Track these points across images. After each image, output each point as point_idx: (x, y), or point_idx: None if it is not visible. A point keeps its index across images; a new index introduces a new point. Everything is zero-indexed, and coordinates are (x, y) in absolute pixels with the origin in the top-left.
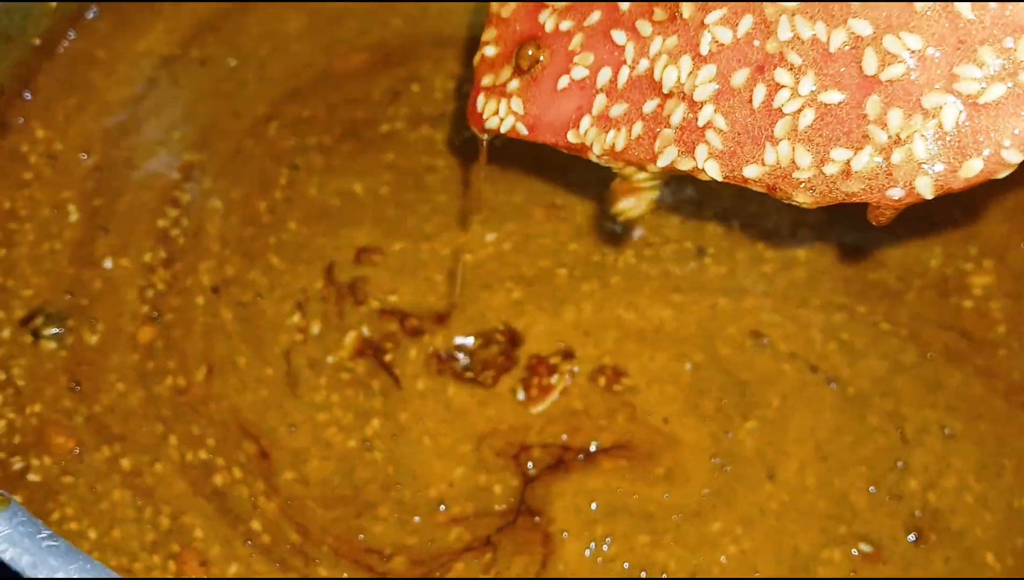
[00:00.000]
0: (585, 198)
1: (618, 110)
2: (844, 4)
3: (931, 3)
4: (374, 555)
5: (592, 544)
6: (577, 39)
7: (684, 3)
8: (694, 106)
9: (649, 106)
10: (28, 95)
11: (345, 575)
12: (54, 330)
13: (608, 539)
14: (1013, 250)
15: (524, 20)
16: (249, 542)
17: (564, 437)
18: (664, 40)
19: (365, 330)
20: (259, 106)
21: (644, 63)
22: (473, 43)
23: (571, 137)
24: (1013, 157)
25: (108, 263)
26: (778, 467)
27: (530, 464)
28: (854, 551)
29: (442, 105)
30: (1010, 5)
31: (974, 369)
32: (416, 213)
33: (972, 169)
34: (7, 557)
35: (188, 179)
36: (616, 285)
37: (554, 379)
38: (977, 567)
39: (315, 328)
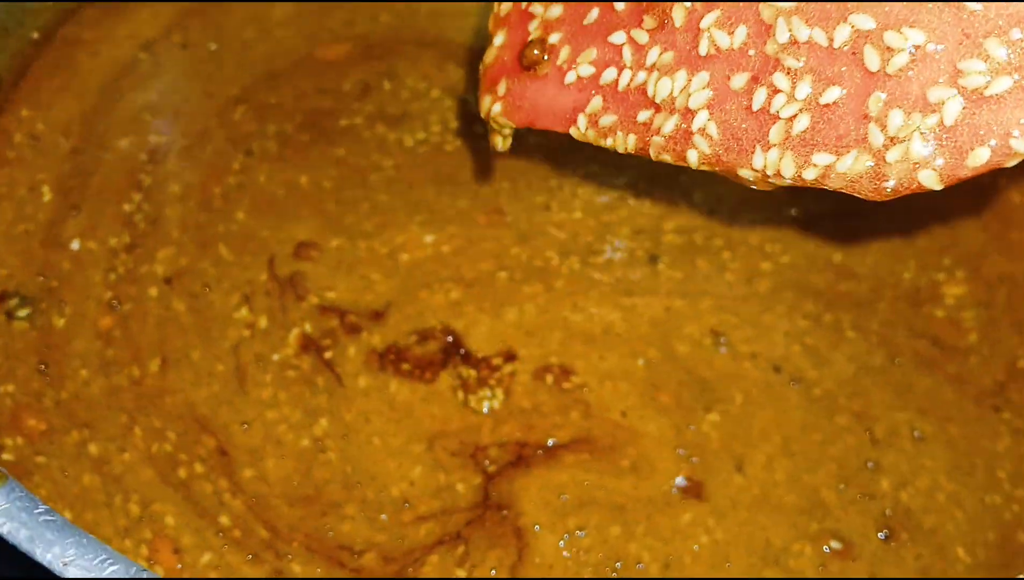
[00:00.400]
0: (532, 206)
1: (608, 120)
2: (841, 3)
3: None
4: (345, 552)
5: (566, 536)
6: (564, 52)
7: (674, 7)
8: (687, 116)
9: (643, 116)
10: (21, 81)
11: (318, 571)
12: (27, 311)
13: (581, 531)
14: (987, 260)
15: (511, 50)
16: (220, 534)
17: (518, 436)
18: (661, 54)
19: (307, 327)
20: (232, 89)
21: (641, 75)
22: (457, 47)
23: (573, 133)
24: (1022, 146)
25: (75, 245)
26: (746, 460)
27: (487, 462)
28: (826, 548)
29: (406, 105)
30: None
31: (944, 375)
32: (356, 211)
33: (980, 158)
34: (5, 531)
35: (152, 161)
36: (561, 289)
37: (494, 379)
38: (948, 562)
39: (262, 323)
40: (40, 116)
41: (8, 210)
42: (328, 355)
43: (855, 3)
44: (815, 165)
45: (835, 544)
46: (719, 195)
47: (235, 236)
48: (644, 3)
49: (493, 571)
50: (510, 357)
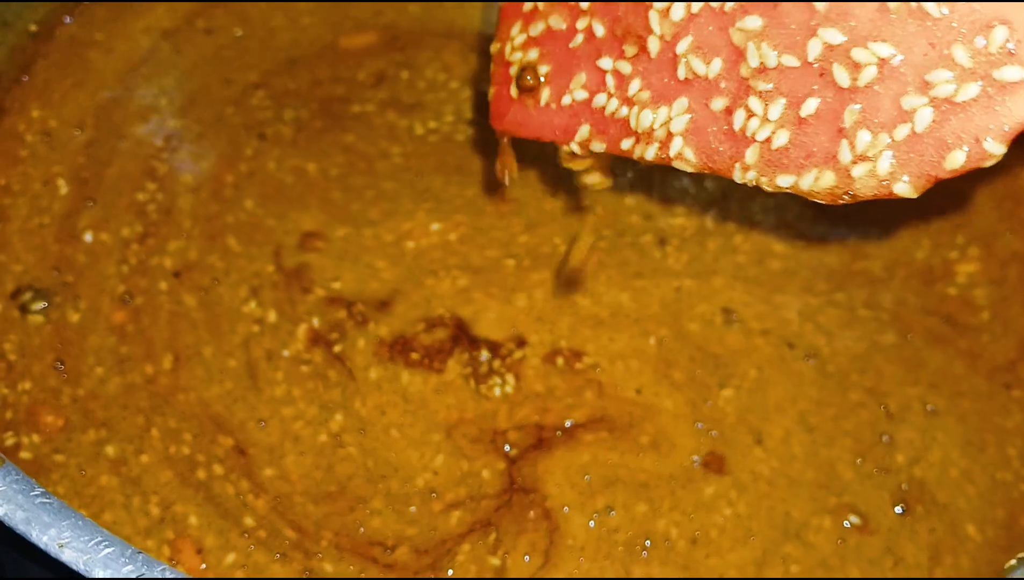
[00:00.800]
0: (542, 195)
1: (598, 147)
2: (807, 24)
3: (900, 4)
4: (377, 547)
5: (595, 515)
6: (548, 91)
7: (648, 37)
8: (665, 145)
9: (626, 144)
10: (25, 79)
11: (351, 568)
12: (42, 305)
13: (611, 510)
14: (1000, 238)
15: (504, 87)
16: (245, 534)
17: (535, 419)
18: (640, 89)
19: (315, 321)
20: (252, 74)
21: (624, 109)
22: (484, 39)
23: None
24: (996, 149)
25: (88, 236)
26: (764, 434)
27: (508, 446)
28: (846, 523)
29: (421, 95)
30: (978, 4)
31: (956, 351)
32: (361, 198)
33: (956, 161)
34: (1, 513)
35: (168, 148)
36: (571, 273)
37: (505, 365)
38: (960, 538)
39: (271, 317)
40: (52, 114)
41: (23, 206)
42: (337, 349)
43: (822, 18)
44: (780, 187)
45: (854, 519)
46: (732, 182)
47: (243, 226)
48: (620, 30)
49: (527, 557)
50: (520, 343)
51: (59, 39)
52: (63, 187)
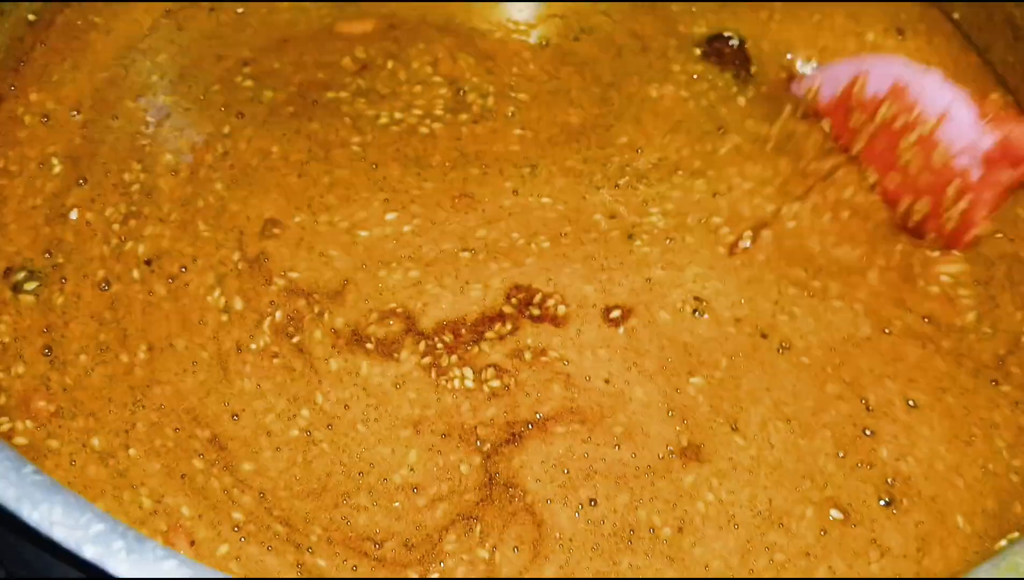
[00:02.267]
0: (499, 191)
1: None
2: None
3: None
4: (367, 542)
5: (580, 507)
6: None
7: None
8: None
9: None
10: (23, 64)
11: (345, 562)
12: (34, 285)
13: (594, 502)
14: (985, 237)
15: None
16: (236, 528)
17: (504, 414)
18: None
19: (277, 311)
20: (244, 51)
21: None
22: (479, 36)
23: None
24: None
25: (74, 214)
26: (740, 421)
27: (479, 441)
28: (830, 516)
29: (398, 85)
30: None
31: (937, 349)
32: (317, 184)
33: None
34: None
35: (157, 125)
36: (530, 265)
37: (464, 358)
38: (948, 529)
39: (236, 306)
40: (50, 96)
41: (19, 186)
42: (296, 340)
43: None
44: None
45: (836, 514)
46: (730, 185)
47: (212, 210)
48: None
49: (515, 549)
50: (479, 336)
51: (57, 24)
52: (56, 166)
